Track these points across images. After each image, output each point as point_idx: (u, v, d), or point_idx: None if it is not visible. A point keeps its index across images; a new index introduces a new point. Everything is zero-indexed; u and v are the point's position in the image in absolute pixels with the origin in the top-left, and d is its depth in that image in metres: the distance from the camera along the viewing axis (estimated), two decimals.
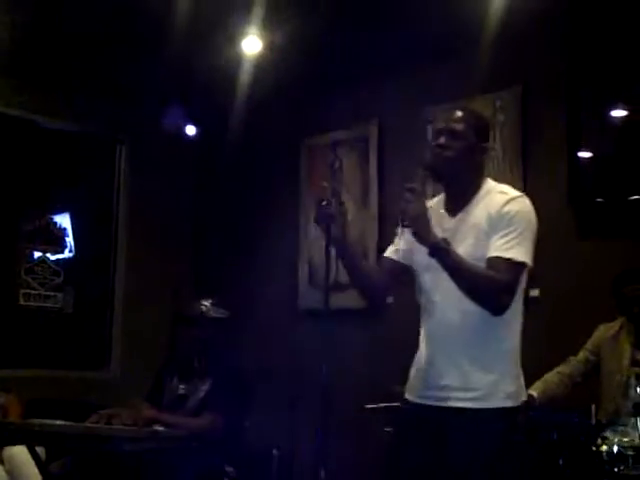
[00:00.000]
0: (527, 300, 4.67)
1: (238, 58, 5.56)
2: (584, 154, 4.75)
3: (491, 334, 2.76)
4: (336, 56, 5.66)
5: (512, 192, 2.82)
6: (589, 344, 4.13)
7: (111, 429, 3.96)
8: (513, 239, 2.69)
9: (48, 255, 6.18)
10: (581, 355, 4.13)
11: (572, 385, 4.06)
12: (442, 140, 2.79)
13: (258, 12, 5.09)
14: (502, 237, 2.69)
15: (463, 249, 2.73)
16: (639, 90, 4.60)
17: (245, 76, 5.66)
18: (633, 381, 3.74)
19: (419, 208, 2.66)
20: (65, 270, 6.24)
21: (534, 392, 3.91)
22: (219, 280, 6.46)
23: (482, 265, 2.70)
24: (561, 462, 3.40)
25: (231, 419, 4.22)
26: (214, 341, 4.44)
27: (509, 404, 2.75)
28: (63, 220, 6.30)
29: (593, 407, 3.57)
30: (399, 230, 2.87)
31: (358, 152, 5.94)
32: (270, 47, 5.47)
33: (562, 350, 4.40)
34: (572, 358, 4.13)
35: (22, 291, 6.07)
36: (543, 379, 4.05)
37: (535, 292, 4.80)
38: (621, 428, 3.53)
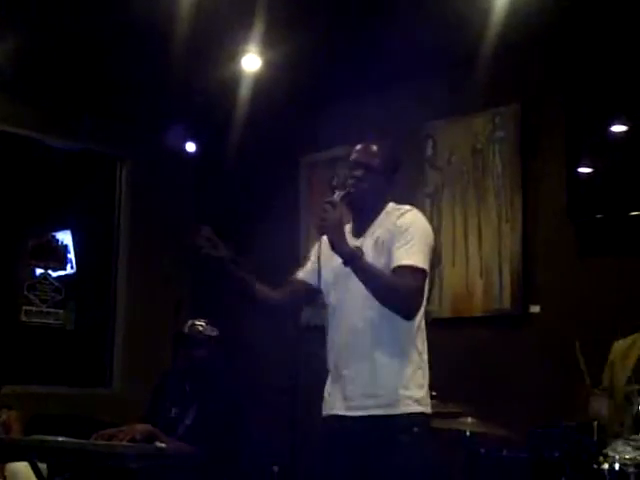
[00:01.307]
0: (527, 316, 4.74)
1: (238, 76, 5.60)
2: (583, 170, 4.76)
3: (392, 339, 2.89)
4: (335, 73, 5.70)
5: (404, 207, 3.04)
6: (607, 364, 4.11)
7: (116, 445, 3.95)
8: (411, 248, 2.87)
9: (50, 272, 6.19)
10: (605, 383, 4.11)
11: None
12: (359, 173, 2.99)
13: (258, 30, 5.12)
14: (401, 247, 2.88)
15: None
16: (638, 105, 4.61)
17: (245, 93, 5.70)
18: (635, 397, 3.72)
19: (336, 219, 2.84)
20: (66, 287, 6.25)
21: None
22: (219, 297, 6.46)
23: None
24: None
25: (221, 445, 4.19)
26: (209, 362, 4.44)
27: (418, 409, 2.87)
28: (65, 237, 6.32)
29: (595, 424, 3.56)
30: (313, 249, 3.17)
31: None
32: (269, 65, 5.51)
33: (562, 366, 4.41)
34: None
35: (24, 308, 6.08)
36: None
37: (536, 308, 4.83)
38: (622, 446, 3.55)
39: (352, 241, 2.99)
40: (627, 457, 3.29)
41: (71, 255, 6.35)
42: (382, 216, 3.02)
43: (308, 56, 5.38)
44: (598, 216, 4.71)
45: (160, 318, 6.24)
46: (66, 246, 6.30)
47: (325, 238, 3.05)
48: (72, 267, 6.33)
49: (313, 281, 3.09)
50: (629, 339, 4.05)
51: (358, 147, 3.07)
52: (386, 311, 2.86)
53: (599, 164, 4.75)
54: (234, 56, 5.44)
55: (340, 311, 3.00)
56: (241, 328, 6.12)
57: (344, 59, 5.53)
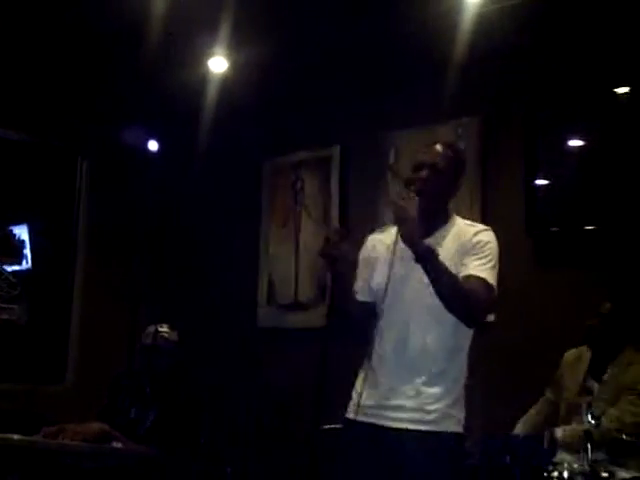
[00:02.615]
0: (482, 325, 4.79)
1: (204, 77, 5.61)
2: (541, 183, 4.84)
3: (449, 358, 2.86)
4: (301, 78, 5.74)
5: (480, 225, 2.98)
6: (557, 373, 4.18)
7: (70, 444, 3.94)
8: (486, 264, 2.83)
9: (5, 267, 6.13)
10: (546, 395, 4.21)
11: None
12: (424, 174, 2.88)
13: (225, 32, 5.15)
14: (476, 260, 2.82)
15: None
16: (595, 121, 4.69)
17: (210, 95, 5.71)
18: (582, 408, 3.81)
19: (412, 211, 2.73)
20: (22, 282, 6.19)
21: (519, 431, 4.01)
22: (177, 298, 6.47)
23: None
24: None
25: (179, 447, 4.20)
26: (170, 366, 4.44)
27: (460, 430, 2.86)
28: (22, 232, 6.25)
29: (546, 432, 3.64)
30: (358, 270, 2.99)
31: (320, 173, 5.99)
32: (236, 67, 5.53)
33: (516, 375, 4.49)
34: (547, 389, 4.21)
35: None
36: (523, 421, 4.13)
37: (491, 317, 4.89)
38: (571, 454, 3.64)
39: (406, 250, 2.86)
40: (575, 466, 3.38)
41: (27, 250, 6.28)
42: (448, 226, 2.93)
43: (275, 60, 5.42)
44: (554, 229, 4.80)
45: (116, 316, 6.24)
46: (23, 241, 6.24)
47: (368, 243, 3.05)
48: (28, 262, 6.27)
49: (367, 297, 2.98)
50: (577, 350, 4.15)
51: (426, 149, 2.97)
52: (448, 328, 2.82)
53: (556, 179, 4.84)
54: (201, 58, 5.46)
55: (394, 319, 2.90)
56: (199, 328, 6.13)
57: (310, 64, 5.58)
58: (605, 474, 3.23)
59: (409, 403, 2.82)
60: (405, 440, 2.80)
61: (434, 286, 2.73)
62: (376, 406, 2.87)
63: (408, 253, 2.79)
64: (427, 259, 2.72)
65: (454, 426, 2.84)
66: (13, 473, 4.26)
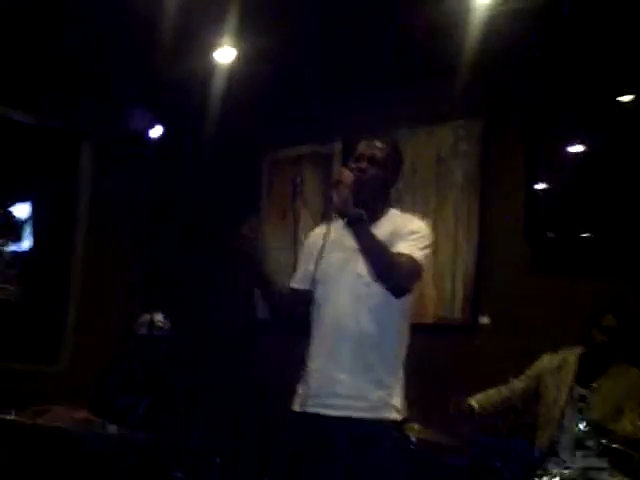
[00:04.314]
0: (477, 327, 4.86)
1: (210, 67, 5.61)
2: (541, 189, 4.87)
3: (384, 343, 2.90)
4: (306, 73, 5.75)
5: (408, 214, 3.08)
6: (531, 370, 4.21)
7: (64, 426, 3.97)
8: (417, 246, 2.90)
9: (4, 247, 6.14)
10: (522, 379, 4.22)
11: (510, 407, 4.15)
12: (362, 165, 3.00)
13: (232, 23, 5.15)
14: (408, 242, 2.90)
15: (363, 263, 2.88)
16: (598, 128, 4.72)
17: (216, 85, 5.71)
18: (572, 415, 3.85)
19: (347, 179, 2.84)
20: (20, 262, 6.21)
21: (474, 403, 4.03)
22: (175, 284, 6.50)
23: None
24: None
25: (170, 436, 4.24)
26: (161, 355, 4.47)
27: (399, 418, 2.90)
28: (22, 212, 6.27)
29: (537, 440, 3.68)
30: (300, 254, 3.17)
31: (321, 169, 6.02)
32: (242, 58, 5.53)
33: (507, 376, 4.53)
34: (513, 380, 4.24)
35: None
36: (482, 393, 4.16)
37: (485, 320, 4.95)
38: (561, 461, 3.69)
39: (348, 239, 2.94)
40: (565, 472, 3.44)
41: (27, 231, 6.30)
42: (385, 218, 3.03)
43: (281, 54, 5.43)
44: (550, 235, 4.85)
45: (114, 299, 6.28)
46: (22, 221, 6.26)
47: (310, 239, 3.16)
48: (27, 243, 6.29)
49: (306, 285, 3.05)
50: (558, 356, 4.18)
51: (367, 142, 3.07)
52: (382, 315, 2.88)
53: (556, 185, 4.86)
54: (209, 47, 5.47)
55: (328, 308, 2.96)
56: (196, 318, 6.17)
57: (316, 60, 5.60)
58: None
59: (347, 391, 2.86)
60: (346, 428, 2.85)
61: (363, 253, 2.83)
62: (315, 395, 2.92)
63: (340, 238, 2.95)
64: (357, 224, 2.81)
65: (394, 414, 2.89)
66: (3, 451, 4.30)
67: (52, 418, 4.05)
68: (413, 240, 2.91)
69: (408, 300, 2.96)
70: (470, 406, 3.98)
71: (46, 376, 6.05)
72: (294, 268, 3.23)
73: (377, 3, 4.82)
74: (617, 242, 4.55)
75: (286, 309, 3.09)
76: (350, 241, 2.89)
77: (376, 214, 3.01)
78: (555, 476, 3.34)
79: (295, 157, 6.17)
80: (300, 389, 2.99)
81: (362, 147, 3.07)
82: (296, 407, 2.98)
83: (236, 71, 5.60)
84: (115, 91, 6.18)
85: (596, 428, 3.65)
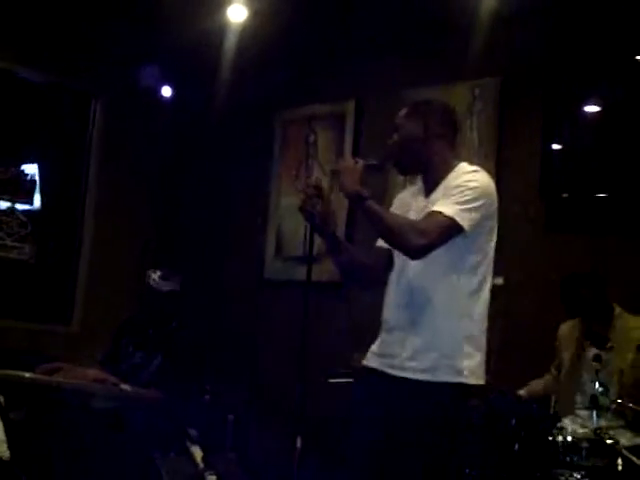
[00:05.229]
0: (491, 287, 4.83)
1: (222, 25, 5.56)
2: (557, 148, 4.84)
3: (452, 310, 2.84)
4: (319, 31, 5.70)
5: (473, 168, 2.96)
6: (556, 345, 4.25)
7: (80, 383, 3.99)
8: (450, 199, 2.80)
9: (17, 206, 6.14)
10: (551, 369, 4.25)
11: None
12: (394, 137, 2.99)
13: None
14: (445, 198, 2.82)
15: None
16: (615, 88, 4.68)
17: (228, 43, 5.66)
18: (587, 376, 3.86)
19: (350, 163, 2.87)
20: (33, 222, 6.21)
21: (523, 392, 4.07)
22: (186, 244, 6.51)
23: None
24: (516, 447, 3.51)
25: (183, 393, 4.24)
26: (167, 313, 4.47)
27: (458, 380, 2.80)
28: (33, 171, 6.26)
29: (553, 398, 3.69)
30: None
31: (334, 128, 5.97)
32: (254, 17, 5.48)
33: (524, 338, 4.54)
34: (552, 368, 4.26)
35: None
36: (529, 386, 4.19)
37: (499, 280, 4.92)
38: (578, 420, 3.70)
39: (420, 200, 2.98)
40: (580, 431, 3.44)
41: (38, 190, 6.29)
42: (451, 176, 2.94)
43: (293, 12, 5.37)
44: (565, 195, 4.82)
45: (126, 259, 6.29)
46: (34, 181, 6.25)
47: (396, 200, 3.13)
48: (39, 202, 6.28)
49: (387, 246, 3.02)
50: (571, 322, 4.20)
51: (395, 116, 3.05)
52: (442, 274, 2.84)
53: (572, 144, 4.83)
54: (220, 5, 5.41)
55: (401, 269, 2.95)
56: (205, 273, 6.17)
57: (329, 18, 5.54)
58: (610, 440, 3.28)
59: (404, 352, 2.84)
60: (397, 388, 2.83)
61: (372, 226, 2.84)
62: (378, 353, 2.94)
63: (415, 202, 2.98)
64: (357, 203, 2.82)
65: (449, 376, 2.81)
66: (20, 409, 4.32)
67: (65, 376, 4.06)
68: (452, 195, 2.81)
69: (478, 258, 2.89)
70: (519, 395, 4.02)
71: (58, 335, 6.08)
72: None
73: None
74: (632, 202, 4.51)
75: (366, 270, 3.05)
76: (421, 203, 2.94)
77: (436, 174, 2.95)
78: (570, 434, 3.34)
79: (308, 116, 6.12)
80: (374, 345, 3.00)
81: (395, 119, 3.04)
82: (364, 361, 3.00)
83: (247, 29, 5.54)
84: (125, 49, 6.12)
85: (612, 387, 3.66)
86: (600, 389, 3.49)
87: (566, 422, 3.59)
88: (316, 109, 6.09)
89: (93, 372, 4.15)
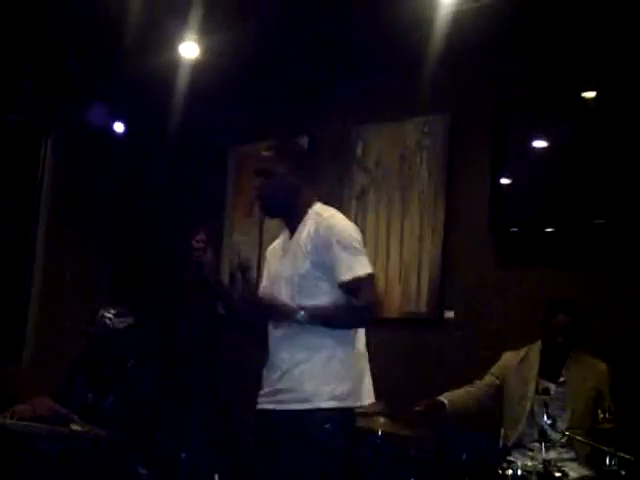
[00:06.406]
0: (442, 321, 4.89)
1: (175, 62, 5.58)
2: (506, 184, 4.88)
3: (318, 332, 2.94)
4: (272, 67, 5.74)
5: (326, 211, 3.06)
6: (494, 369, 4.22)
7: (25, 424, 3.92)
8: (348, 256, 2.90)
9: None
10: (486, 378, 4.23)
11: (479, 406, 4.17)
12: (257, 183, 3.10)
13: (196, 17, 5.13)
14: (338, 259, 2.90)
15: (288, 265, 3.01)
16: (562, 124, 4.74)
17: (180, 80, 5.68)
18: (538, 408, 3.87)
19: (269, 295, 3.01)
20: None
21: (444, 399, 4.05)
22: (138, 280, 6.46)
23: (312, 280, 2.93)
24: None
25: (135, 432, 4.20)
26: (123, 352, 4.42)
27: (335, 405, 2.90)
28: None
29: (502, 431, 3.70)
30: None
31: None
32: (207, 53, 5.51)
33: (474, 371, 4.54)
34: (477, 381, 4.26)
35: None
36: (451, 392, 4.16)
37: (450, 314, 4.97)
38: (527, 453, 3.71)
39: (285, 243, 3.11)
40: (529, 464, 3.45)
41: None
42: (308, 216, 3.05)
43: (246, 48, 5.41)
44: (514, 229, 4.86)
45: (76, 296, 6.22)
46: None
47: (268, 253, 3.27)
48: None
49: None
50: (518, 352, 4.21)
51: (258, 158, 3.18)
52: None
53: (521, 180, 4.88)
54: (172, 42, 5.44)
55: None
56: (160, 312, 6.12)
57: (281, 54, 5.59)
58: (558, 474, 3.30)
59: (282, 384, 2.95)
60: (280, 420, 2.94)
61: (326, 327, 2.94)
62: (265, 393, 3.04)
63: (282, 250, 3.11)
64: (311, 323, 2.91)
65: (327, 402, 2.90)
66: None
67: (14, 413, 3.99)
68: (340, 251, 2.91)
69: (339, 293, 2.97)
70: (440, 402, 4.00)
71: (8, 376, 5.97)
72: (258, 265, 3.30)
73: None
74: (579, 236, 4.57)
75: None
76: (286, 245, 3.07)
77: (296, 216, 3.06)
78: (519, 468, 3.35)
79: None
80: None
81: (256, 164, 3.18)
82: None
83: (201, 66, 5.57)
84: (76, 86, 6.12)
85: (561, 421, 3.68)
86: (549, 422, 3.51)
87: (516, 455, 3.61)
88: (269, 144, 6.08)
89: (42, 403, 4.08)
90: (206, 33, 5.34)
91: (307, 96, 5.88)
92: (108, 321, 4.33)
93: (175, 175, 6.55)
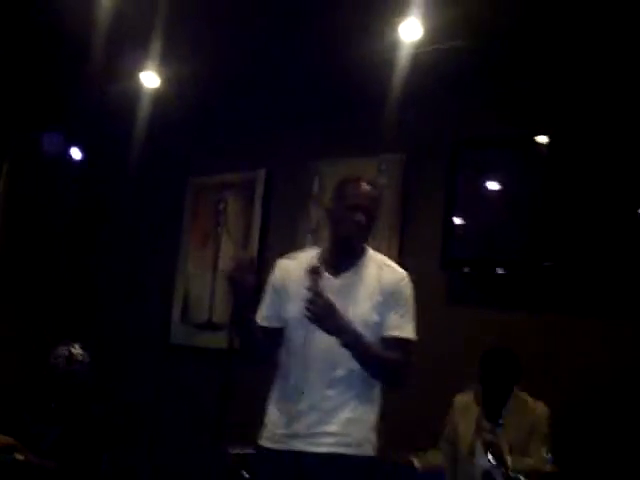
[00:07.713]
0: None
1: (135, 91, 5.58)
2: (459, 223, 4.94)
3: (366, 391, 2.96)
4: (231, 100, 5.76)
5: (399, 268, 3.08)
6: (449, 416, 4.26)
7: None
8: (406, 318, 2.98)
9: None
10: (446, 435, 4.24)
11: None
12: (360, 218, 2.98)
13: (156, 47, 5.14)
14: (396, 315, 2.96)
15: (359, 311, 2.92)
16: (515, 167, 4.82)
17: (140, 109, 5.68)
18: (479, 449, 3.89)
19: (325, 304, 2.81)
20: None
21: (417, 464, 4.07)
22: (91, 312, 6.42)
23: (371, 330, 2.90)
24: None
25: (81, 463, 4.16)
26: (80, 384, 4.39)
27: (374, 454, 2.95)
28: None
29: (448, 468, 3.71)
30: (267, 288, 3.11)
31: (244, 196, 6.00)
32: (167, 83, 5.52)
33: (422, 410, 4.56)
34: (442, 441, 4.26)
35: None
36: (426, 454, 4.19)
37: None
38: None
39: (327, 279, 2.95)
40: None
41: None
42: (365, 258, 3.04)
43: (206, 79, 5.44)
44: (466, 269, 4.92)
45: (26, 327, 6.13)
46: None
47: (277, 270, 3.12)
48: None
49: (278, 322, 3.06)
50: (467, 395, 4.23)
51: (362, 190, 3.04)
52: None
53: (473, 220, 4.94)
54: (132, 71, 5.44)
55: (308, 350, 2.95)
56: (109, 346, 6.07)
57: (241, 88, 5.62)
58: None
59: (328, 429, 2.88)
60: (324, 464, 2.86)
61: (361, 364, 2.89)
62: (291, 434, 2.92)
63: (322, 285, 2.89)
64: (354, 347, 2.85)
65: (371, 450, 2.94)
66: None
67: None
68: (402, 311, 2.99)
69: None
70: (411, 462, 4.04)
71: None
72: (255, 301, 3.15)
73: (303, 36, 4.87)
74: (529, 278, 4.64)
75: (263, 348, 3.05)
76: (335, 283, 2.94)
77: (357, 255, 3.04)
78: None
79: (219, 184, 6.15)
80: (271, 425, 2.99)
81: (362, 199, 3.02)
82: (267, 443, 2.98)
83: (160, 95, 5.58)
84: (35, 113, 6.08)
85: (503, 462, 3.69)
86: (494, 463, 3.53)
87: None
88: (227, 177, 6.12)
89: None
90: (166, 63, 5.35)
91: (265, 130, 5.91)
92: (80, 357, 4.31)
93: (133, 203, 6.54)
